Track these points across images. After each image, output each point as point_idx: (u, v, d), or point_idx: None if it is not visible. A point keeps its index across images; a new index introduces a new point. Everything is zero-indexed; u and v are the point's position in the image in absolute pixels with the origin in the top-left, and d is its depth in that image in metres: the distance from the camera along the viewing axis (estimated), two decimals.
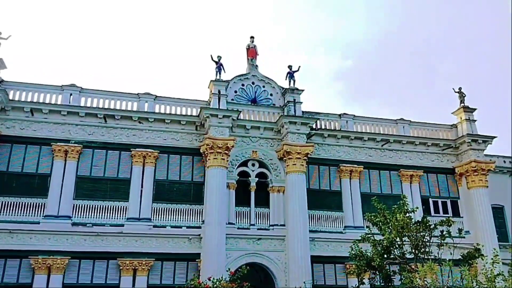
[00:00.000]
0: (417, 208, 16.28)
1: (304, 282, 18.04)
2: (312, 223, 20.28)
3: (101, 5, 57.99)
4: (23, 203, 17.84)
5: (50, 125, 18.89)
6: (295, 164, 20.13)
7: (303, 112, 21.36)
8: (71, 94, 19.43)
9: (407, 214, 14.84)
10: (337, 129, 22.20)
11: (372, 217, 15.53)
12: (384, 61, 59.22)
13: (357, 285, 15.69)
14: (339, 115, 22.55)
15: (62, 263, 17.29)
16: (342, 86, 61.61)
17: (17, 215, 17.64)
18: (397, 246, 14.83)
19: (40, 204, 17.97)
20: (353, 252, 15.45)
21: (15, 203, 17.76)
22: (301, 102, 21.44)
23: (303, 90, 21.71)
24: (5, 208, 17.63)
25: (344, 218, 20.99)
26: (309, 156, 20.54)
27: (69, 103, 19.26)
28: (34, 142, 18.63)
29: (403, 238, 14.72)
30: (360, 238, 15.76)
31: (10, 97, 18.56)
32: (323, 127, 22.04)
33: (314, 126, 21.39)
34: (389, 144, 22.52)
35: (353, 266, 16.05)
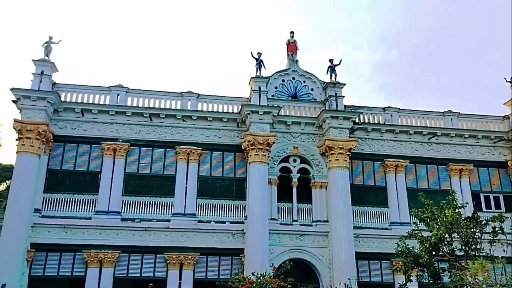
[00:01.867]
0: (467, 203, 15.59)
1: (349, 279, 17.82)
2: (356, 219, 19.96)
3: (142, 6, 59.61)
4: (76, 200, 18.75)
5: (99, 125, 19.72)
6: (337, 160, 19.88)
7: (345, 106, 21.04)
8: (118, 94, 20.18)
9: (457, 210, 14.27)
10: (381, 123, 21.68)
11: (419, 212, 15.05)
12: (429, 53, 56.99)
13: (404, 282, 15.27)
14: (383, 108, 22.00)
15: (113, 256, 18.05)
16: (385, 79, 59.96)
17: (71, 211, 18.56)
18: (446, 242, 14.30)
19: (92, 200, 18.82)
20: (400, 249, 15.04)
21: (68, 199, 18.71)
22: (343, 96, 21.12)
23: (344, 84, 21.38)
24: (60, 204, 18.60)
25: (390, 214, 20.49)
26: (352, 151, 20.21)
27: (117, 103, 20.01)
28: (85, 141, 19.52)
29: (452, 235, 14.17)
30: (406, 234, 15.32)
31: (62, 98, 19.54)
32: (366, 121, 21.58)
33: (357, 120, 21.01)
34: (436, 138, 21.73)
35: (400, 263, 15.63)
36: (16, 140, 18.38)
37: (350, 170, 20.43)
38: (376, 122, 21.74)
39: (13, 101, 18.93)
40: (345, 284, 17.66)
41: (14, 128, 18.38)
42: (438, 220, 14.35)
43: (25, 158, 18.01)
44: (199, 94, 20.84)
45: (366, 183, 20.99)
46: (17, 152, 18.24)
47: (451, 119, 22.37)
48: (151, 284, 3.65)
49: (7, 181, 26.14)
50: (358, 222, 19.96)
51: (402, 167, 21.12)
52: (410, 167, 21.33)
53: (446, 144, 21.88)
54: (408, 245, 15.06)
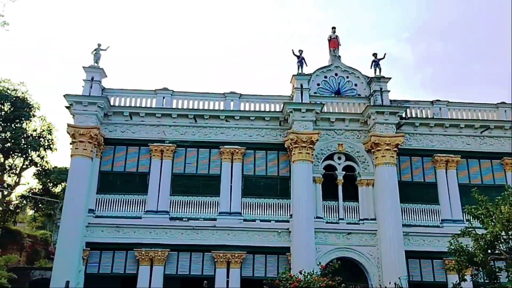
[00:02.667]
0: None
1: (399, 278, 17.32)
2: (405, 217, 19.38)
3: (183, 10, 60.84)
4: (127, 200, 19.45)
5: (146, 127, 20.35)
6: (384, 156, 19.38)
7: (391, 101, 20.48)
8: (163, 97, 20.73)
9: None
10: (429, 117, 20.91)
11: (473, 209, 14.38)
12: (477, 42, 54.30)
13: (458, 282, 14.65)
14: (431, 102, 21.21)
15: (163, 255, 18.57)
16: (431, 71, 57.73)
17: (122, 211, 19.28)
18: (502, 240, 13.56)
19: (141, 200, 19.45)
20: (453, 247, 14.43)
21: (119, 200, 19.43)
22: (389, 91, 20.57)
23: (390, 78, 20.81)
24: (112, 205, 19.36)
25: (441, 211, 19.72)
26: (399, 146, 19.64)
27: (163, 105, 20.57)
28: (134, 144, 20.21)
29: (509, 232, 13.43)
30: (460, 232, 14.68)
31: (111, 103, 20.34)
32: (413, 115, 20.90)
33: (403, 115, 20.40)
34: (489, 131, 20.66)
35: (453, 262, 15.01)
36: (70, 144, 19.34)
37: (398, 166, 19.86)
38: (424, 116, 21.00)
39: (66, 107, 19.94)
40: (395, 284, 17.20)
41: (68, 132, 19.34)
42: (494, 217, 13.66)
43: (78, 161, 18.91)
44: (241, 94, 21.01)
45: (415, 180, 20.32)
46: (71, 156, 19.18)
47: (505, 111, 21.19)
48: (205, 281, 3.72)
49: (63, 183, 27.58)
50: (407, 220, 19.36)
51: (453, 162, 20.27)
52: (461, 162, 20.43)
53: (500, 138, 20.76)
54: (461, 243, 14.43)
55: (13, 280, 18.01)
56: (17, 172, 27.94)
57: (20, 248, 26.24)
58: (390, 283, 17.29)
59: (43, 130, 27.89)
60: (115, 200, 19.41)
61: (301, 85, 20.38)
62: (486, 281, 14.24)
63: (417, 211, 19.76)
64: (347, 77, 21.49)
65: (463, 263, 14.11)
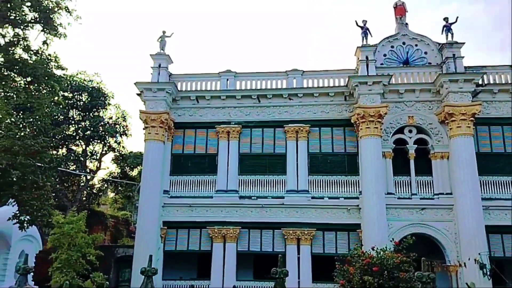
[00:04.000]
0: None
1: (479, 254, 16.50)
2: (484, 190, 18.23)
3: None
4: (198, 180, 20.20)
5: (213, 110, 20.84)
6: (459, 127, 18.26)
7: (465, 67, 19.13)
8: (227, 80, 21.05)
9: None
10: (509, 82, 19.28)
11: None
12: None
13: None
14: (510, 66, 19.51)
15: (235, 232, 19.17)
16: (508, 33, 52.86)
17: (194, 191, 20.08)
18: None
19: (212, 180, 20.10)
20: None
21: (191, 180, 20.24)
22: (462, 57, 19.21)
23: (463, 43, 19.41)
24: (184, 185, 20.23)
25: None
26: (476, 116, 18.38)
27: (227, 87, 20.91)
28: (202, 126, 20.83)
29: None
30: None
31: (178, 88, 21.03)
32: (491, 82, 19.39)
33: (480, 82, 18.99)
34: None
35: None
36: (143, 129, 20.38)
37: (475, 137, 18.64)
38: (503, 82, 19.40)
39: (138, 94, 20.95)
40: (475, 260, 16.43)
41: (140, 118, 20.37)
42: None
43: (152, 145, 19.91)
44: (303, 71, 20.73)
45: (495, 150, 18.97)
46: (144, 140, 20.22)
47: None
48: (280, 255, 3.81)
49: (139, 167, 29.23)
50: (487, 193, 18.21)
51: None
52: None
53: None
54: None
55: (100, 257, 19.57)
56: (98, 157, 30.03)
57: (104, 228, 28.36)
58: (469, 259, 16.53)
59: (118, 118, 29.58)
60: (187, 181, 20.23)
61: (367, 57, 19.64)
62: None
63: (498, 183, 18.48)
64: (416, 45, 20.35)
65: None
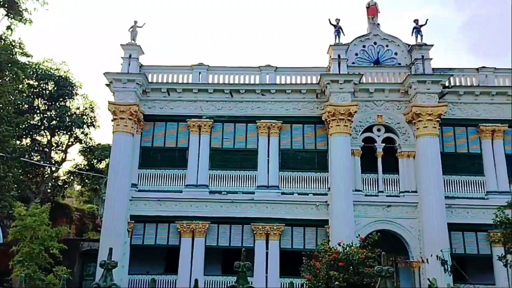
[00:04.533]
0: None
1: (441, 251, 17.05)
2: (448, 189, 18.85)
3: None
4: (167, 174, 19.94)
5: (184, 103, 20.58)
6: (426, 127, 18.77)
7: (433, 69, 19.65)
8: (199, 73, 20.83)
9: None
10: (474, 84, 19.96)
11: None
12: None
13: (504, 254, 14.24)
14: (477, 69, 20.19)
15: (204, 227, 19.06)
16: (476, 37, 54.74)
17: (163, 185, 19.81)
18: None
19: (181, 175, 19.89)
20: (499, 219, 13.97)
21: (160, 174, 19.96)
22: (431, 59, 19.72)
23: (432, 45, 19.92)
24: (153, 179, 19.92)
25: (486, 183, 19.03)
26: (442, 117, 18.94)
27: (199, 81, 20.69)
28: (172, 119, 20.54)
29: None
30: (506, 204, 14.18)
31: (149, 79, 20.65)
32: (457, 84, 20.00)
33: (447, 84, 19.56)
34: None
35: (499, 234, 14.57)
36: (112, 121, 19.92)
37: (441, 137, 19.21)
38: (468, 84, 20.06)
39: (107, 85, 20.44)
40: (437, 256, 16.95)
41: (109, 110, 19.89)
42: None
43: (120, 137, 19.49)
44: (277, 67, 20.77)
45: (459, 151, 19.64)
46: (113, 132, 19.78)
47: None
48: (243, 249, 3.81)
49: (106, 160, 28.59)
50: (450, 192, 18.84)
51: (499, 132, 19.38)
52: (509, 131, 19.49)
53: None
54: (507, 215, 13.93)
55: (64, 250, 19.06)
56: (63, 149, 29.17)
57: (69, 221, 27.62)
58: (431, 255, 17.05)
59: (86, 108, 28.80)
60: (156, 174, 19.95)
61: (339, 56, 19.87)
62: None
63: (461, 182, 19.15)
64: (387, 45, 20.74)
65: (509, 235, 13.67)
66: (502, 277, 17.50)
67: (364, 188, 19.23)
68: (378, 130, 19.92)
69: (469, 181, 19.17)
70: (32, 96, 26.74)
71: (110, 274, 2.17)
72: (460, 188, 19.08)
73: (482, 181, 19.12)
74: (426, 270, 17.39)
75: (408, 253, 18.62)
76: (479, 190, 19.02)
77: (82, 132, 28.75)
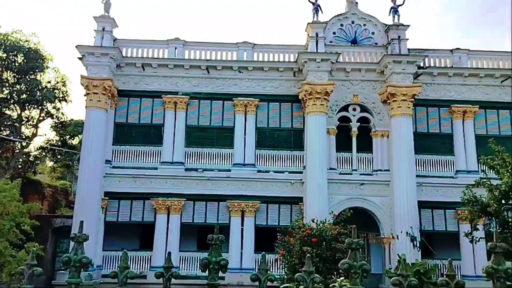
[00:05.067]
0: None
1: (411, 227, 17.60)
2: (419, 167, 19.35)
3: None
4: (142, 151, 19.71)
5: (159, 79, 20.21)
6: (400, 107, 19.08)
7: (409, 49, 19.86)
8: (175, 48, 20.42)
9: None
10: (448, 66, 20.31)
11: (489, 160, 14.20)
12: None
13: (470, 231, 14.80)
14: (451, 50, 20.51)
15: (179, 204, 19.05)
16: (452, 19, 55.43)
17: (138, 162, 19.59)
18: None
19: (157, 151, 19.70)
20: (466, 197, 14.44)
21: (135, 151, 19.71)
22: (407, 39, 19.89)
23: (408, 26, 20.06)
24: (128, 156, 19.67)
25: (456, 162, 19.63)
26: (416, 97, 19.26)
27: (175, 56, 20.30)
28: (147, 95, 20.19)
29: None
30: (474, 182, 14.62)
31: (123, 54, 20.12)
32: (432, 65, 20.31)
33: (422, 65, 19.83)
34: (510, 80, 20.04)
35: (466, 211, 15.11)
36: (84, 95, 19.41)
37: (414, 117, 19.58)
38: (443, 65, 20.40)
39: (79, 58, 19.82)
40: (407, 233, 17.50)
41: (81, 84, 19.35)
42: (510, 167, 13.50)
43: (93, 113, 19.05)
44: (254, 44, 20.56)
45: (431, 131, 20.10)
46: (86, 107, 19.31)
47: None
48: (216, 226, 3.82)
49: (79, 136, 27.97)
50: (421, 170, 19.35)
51: (470, 112, 19.90)
52: (479, 112, 20.04)
53: None
54: (475, 193, 14.42)
55: (36, 227, 18.74)
56: (34, 123, 28.34)
57: (41, 198, 27.07)
58: (401, 232, 17.59)
59: (57, 82, 27.89)
60: (131, 151, 19.69)
61: (316, 34, 19.79)
62: (498, 230, 14.32)
63: (432, 162, 19.69)
64: (364, 25, 20.77)
65: (476, 213, 14.14)
66: (468, 253, 18.30)
67: (339, 167, 19.53)
68: (354, 109, 20.12)
69: (440, 161, 19.71)
70: (0, 69, 25.69)
71: (81, 247, 2.15)
72: (431, 167, 19.62)
73: (452, 161, 19.70)
74: (396, 246, 17.96)
75: (379, 230, 19.16)
76: (449, 169, 19.60)
77: (54, 107, 27.93)
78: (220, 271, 2.33)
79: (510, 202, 13.66)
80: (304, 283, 2.44)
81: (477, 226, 14.58)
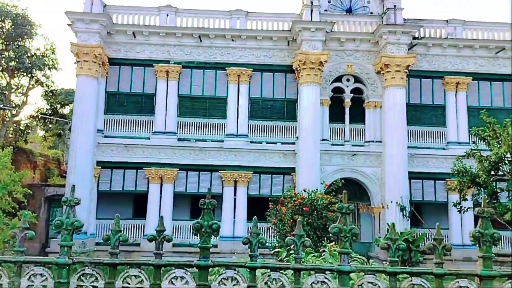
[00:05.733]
0: None
1: (401, 197, 17.89)
2: (411, 139, 19.48)
3: None
4: (134, 121, 19.58)
5: (151, 47, 19.85)
6: (394, 78, 19.00)
7: (404, 20, 19.59)
8: (167, 15, 19.97)
9: None
10: (443, 37, 20.13)
11: (480, 131, 14.35)
12: None
13: (459, 201, 15.10)
14: (446, 21, 20.29)
15: (172, 174, 19.11)
16: None
17: (130, 131, 19.49)
18: (507, 162, 13.70)
19: (149, 121, 19.58)
20: (456, 168, 14.66)
21: (127, 120, 19.57)
22: (402, 9, 19.59)
23: None
24: (120, 125, 19.54)
25: (447, 134, 19.78)
26: (410, 68, 19.17)
27: (166, 24, 19.87)
28: (138, 64, 19.87)
29: None
30: (464, 154, 14.81)
31: (114, 20, 19.65)
32: (427, 35, 20.12)
33: (416, 35, 19.63)
34: (504, 52, 19.96)
35: (455, 182, 15.35)
36: (75, 63, 19.06)
37: (407, 88, 19.55)
38: (438, 36, 20.22)
39: (69, 25, 19.34)
40: (396, 203, 17.79)
41: (71, 51, 18.96)
42: (500, 138, 13.65)
43: (84, 81, 18.76)
44: (248, 12, 20.16)
45: (424, 102, 20.12)
46: (76, 75, 18.99)
47: None
48: (209, 188, 3.90)
49: (71, 105, 27.64)
50: (413, 142, 19.49)
51: (464, 84, 19.90)
52: (472, 84, 20.05)
53: None
54: (465, 164, 14.62)
55: (28, 195, 18.76)
56: (24, 91, 27.90)
57: (33, 167, 26.96)
58: (391, 202, 17.88)
59: (46, 49, 27.31)
60: (123, 120, 19.55)
61: (311, 2, 19.43)
62: (487, 200, 14.61)
63: (424, 133, 19.82)
64: None
65: (465, 184, 14.40)
66: (456, 223, 18.71)
67: (331, 138, 19.60)
68: (347, 80, 20.01)
69: (432, 132, 19.85)
70: None
71: (73, 210, 2.16)
72: (423, 138, 19.77)
73: (443, 132, 19.84)
74: (385, 216, 18.30)
75: (369, 200, 19.45)
76: (440, 141, 19.77)
77: (44, 75, 27.41)
78: (212, 235, 2.35)
79: (499, 173, 13.90)
80: (294, 246, 2.47)
81: (466, 197, 14.89)
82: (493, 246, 2.82)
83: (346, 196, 3.01)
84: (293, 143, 19.39)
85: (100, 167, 19.04)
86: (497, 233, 2.78)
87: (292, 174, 19.18)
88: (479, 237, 2.61)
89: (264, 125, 19.78)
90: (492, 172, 13.83)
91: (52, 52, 27.39)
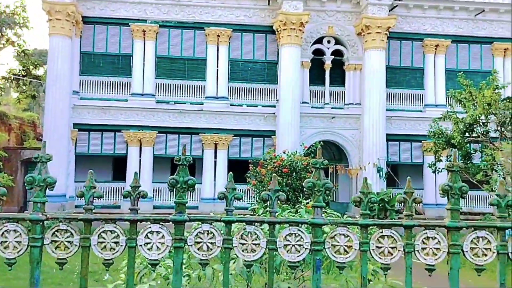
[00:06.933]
0: (509, 83, 14.91)
1: (378, 159, 18.25)
2: (390, 101, 19.68)
3: None
4: (111, 82, 19.12)
5: (126, 5, 19.13)
6: (374, 40, 18.91)
7: None
8: None
9: (497, 90, 13.70)
10: None
11: (456, 93, 14.59)
12: None
13: (434, 162, 15.51)
14: None
15: (151, 136, 18.94)
16: None
17: (107, 93, 19.06)
18: (481, 124, 14.05)
19: (126, 83, 19.15)
20: (432, 130, 14.97)
21: (103, 81, 19.09)
22: None
23: None
24: (96, 87, 19.06)
25: (425, 96, 20.04)
26: (390, 30, 19.08)
27: None
28: (114, 23, 19.18)
29: (488, 116, 13.83)
30: (441, 116, 15.09)
31: None
32: None
33: None
34: (483, 14, 20.01)
35: (431, 144, 15.71)
36: (47, 22, 18.28)
37: (387, 51, 19.53)
38: None
39: None
40: (373, 164, 18.15)
41: (43, 9, 18.13)
42: (476, 101, 13.92)
43: (57, 40, 18.06)
44: None
45: (403, 65, 20.21)
46: (49, 34, 18.26)
47: None
48: (184, 144, 3.89)
49: (44, 66, 26.76)
50: (391, 104, 19.71)
51: (442, 46, 19.99)
52: (451, 47, 20.16)
53: (494, 21, 20.23)
54: (441, 126, 14.93)
55: (4, 159, 18.42)
56: None
57: (8, 130, 26.31)
58: (369, 163, 18.24)
59: (17, 7, 26.08)
60: (99, 82, 19.07)
61: None
62: (461, 161, 15.06)
63: (402, 96, 20.03)
64: None
65: (440, 145, 14.75)
66: (430, 183, 19.29)
67: (311, 100, 19.62)
68: (328, 42, 19.85)
69: (410, 95, 20.07)
70: None
71: (45, 167, 2.11)
72: (401, 101, 19.99)
73: (421, 95, 20.08)
74: (363, 177, 18.41)
75: (348, 162, 19.79)
76: (418, 103, 20.03)
77: (15, 34, 26.30)
78: (187, 191, 2.34)
79: (474, 134, 14.26)
80: (270, 200, 2.49)
81: (441, 158, 15.29)
82: (461, 199, 2.91)
83: (321, 151, 3.02)
84: (274, 106, 19.35)
85: (77, 130, 18.71)
86: (465, 186, 2.85)
87: (272, 137, 19.26)
88: (448, 190, 2.68)
89: (244, 88, 19.62)
90: (467, 134, 14.18)
91: (23, 10, 26.17)
